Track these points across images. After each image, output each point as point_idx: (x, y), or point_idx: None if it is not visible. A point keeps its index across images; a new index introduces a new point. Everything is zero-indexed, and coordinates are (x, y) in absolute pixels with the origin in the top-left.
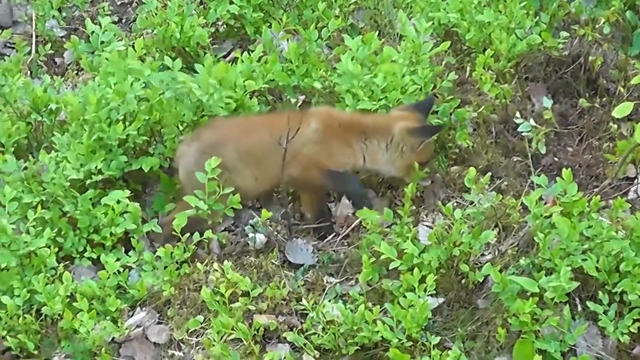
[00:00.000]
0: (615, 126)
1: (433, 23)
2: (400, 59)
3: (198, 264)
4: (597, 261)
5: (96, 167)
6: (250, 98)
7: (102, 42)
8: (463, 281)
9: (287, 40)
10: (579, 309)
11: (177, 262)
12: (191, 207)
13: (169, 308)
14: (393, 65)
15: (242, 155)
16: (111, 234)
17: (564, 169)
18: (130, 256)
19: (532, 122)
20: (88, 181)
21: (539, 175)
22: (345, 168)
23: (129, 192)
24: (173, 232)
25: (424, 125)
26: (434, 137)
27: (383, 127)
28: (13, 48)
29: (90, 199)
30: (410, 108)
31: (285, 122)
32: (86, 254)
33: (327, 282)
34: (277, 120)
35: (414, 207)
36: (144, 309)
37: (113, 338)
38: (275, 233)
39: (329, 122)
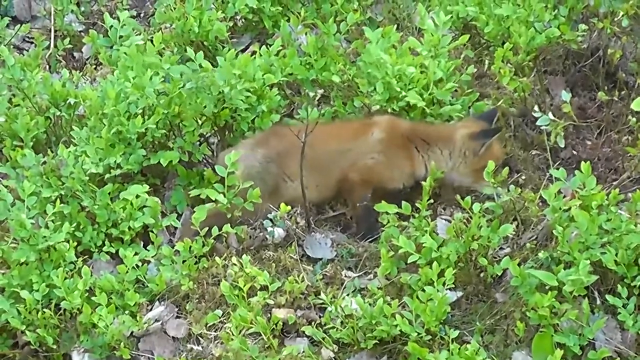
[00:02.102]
0: (634, 119)
1: (452, 16)
2: (424, 51)
3: (217, 258)
4: (616, 254)
5: (115, 161)
6: (271, 89)
7: (121, 37)
8: (482, 275)
9: (306, 34)
10: (598, 302)
11: (195, 257)
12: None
13: (187, 302)
14: (415, 57)
15: (307, 164)
16: (129, 228)
17: (582, 162)
18: (149, 250)
19: (550, 115)
20: (107, 175)
21: (557, 169)
22: (400, 184)
23: (148, 186)
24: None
25: (483, 129)
26: (494, 138)
27: (446, 135)
28: (32, 42)
29: (109, 193)
30: (473, 119)
31: (350, 131)
32: (105, 249)
33: (346, 276)
34: (342, 129)
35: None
36: (162, 303)
37: (132, 332)
38: (294, 227)
39: (393, 132)
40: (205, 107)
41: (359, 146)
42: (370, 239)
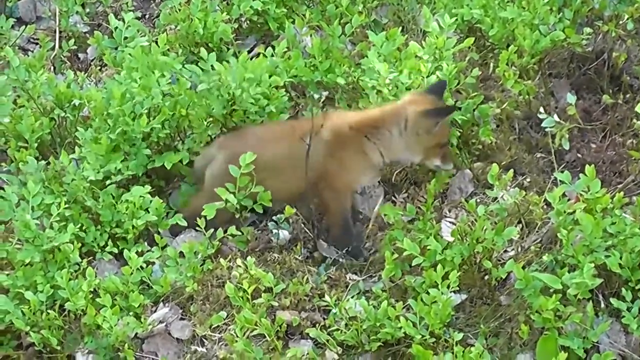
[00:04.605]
0: (639, 122)
1: (456, 19)
2: (425, 55)
3: (221, 260)
4: (621, 258)
5: (115, 167)
6: (277, 90)
7: (126, 38)
8: (486, 278)
9: (311, 36)
10: (602, 305)
11: (200, 258)
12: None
13: (192, 304)
14: (418, 61)
15: (264, 166)
16: (133, 227)
17: (587, 166)
18: (153, 252)
19: (555, 118)
20: (108, 182)
21: (562, 172)
22: (365, 181)
23: (152, 188)
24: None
25: (438, 107)
26: (449, 117)
27: (393, 115)
28: (37, 44)
29: (112, 194)
30: (422, 92)
31: (300, 133)
32: (108, 248)
33: (350, 279)
34: (293, 131)
35: (437, 203)
36: (167, 304)
37: (136, 334)
38: (296, 228)
39: (339, 129)
40: (213, 109)
41: (313, 152)
42: (354, 256)
